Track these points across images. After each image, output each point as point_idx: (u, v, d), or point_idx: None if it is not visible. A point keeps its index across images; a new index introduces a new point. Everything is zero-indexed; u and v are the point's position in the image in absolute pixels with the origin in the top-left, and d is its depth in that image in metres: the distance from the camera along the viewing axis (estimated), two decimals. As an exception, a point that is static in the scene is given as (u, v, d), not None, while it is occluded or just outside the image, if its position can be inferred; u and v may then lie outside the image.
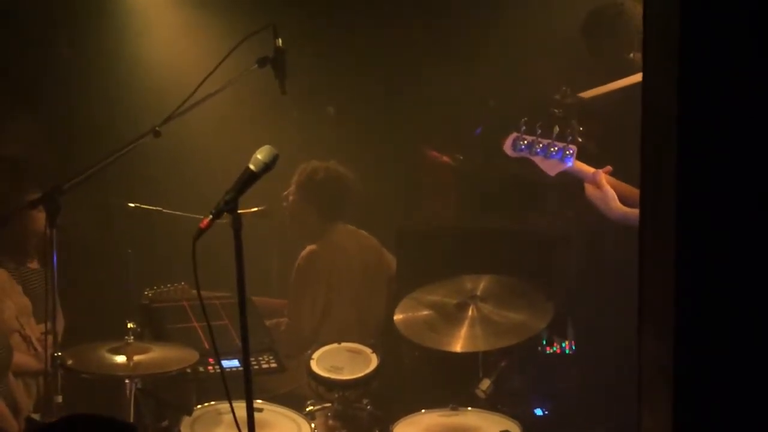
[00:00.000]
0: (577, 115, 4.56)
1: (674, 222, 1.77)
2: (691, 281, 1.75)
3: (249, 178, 3.04)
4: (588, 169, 4.08)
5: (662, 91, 1.79)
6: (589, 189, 4.04)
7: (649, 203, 1.90)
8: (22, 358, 4.81)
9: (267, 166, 3.05)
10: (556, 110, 4.51)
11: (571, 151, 4.19)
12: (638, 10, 4.60)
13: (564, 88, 4.60)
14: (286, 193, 5.12)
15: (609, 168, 4.07)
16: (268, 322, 5.04)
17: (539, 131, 4.19)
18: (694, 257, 1.75)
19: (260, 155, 3.06)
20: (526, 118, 4.19)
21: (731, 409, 1.76)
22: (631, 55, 4.59)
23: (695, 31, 1.71)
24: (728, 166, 1.73)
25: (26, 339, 4.90)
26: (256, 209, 4.90)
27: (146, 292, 5.13)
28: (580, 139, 4.36)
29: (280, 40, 4.01)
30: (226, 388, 3.15)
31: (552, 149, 4.17)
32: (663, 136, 1.79)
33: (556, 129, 4.18)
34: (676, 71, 1.72)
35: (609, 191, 3.95)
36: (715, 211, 1.75)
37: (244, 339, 3.02)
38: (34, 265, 5.20)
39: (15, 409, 4.58)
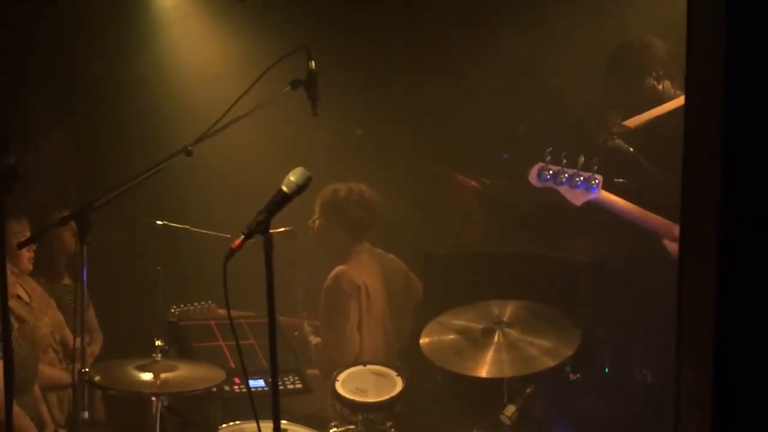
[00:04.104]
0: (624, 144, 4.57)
1: (715, 250, 1.76)
2: (731, 310, 1.74)
3: (281, 200, 3.04)
4: (629, 206, 4.09)
5: (706, 122, 1.79)
6: (671, 246, 4.05)
7: (689, 231, 1.89)
8: (54, 372, 4.86)
9: (299, 188, 3.05)
10: (609, 138, 4.51)
11: (597, 181, 4.21)
12: (661, 44, 4.65)
13: (615, 117, 4.61)
14: (311, 221, 5.12)
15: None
16: (314, 341, 5.05)
17: (564, 161, 4.20)
18: (735, 285, 1.74)
19: (293, 177, 3.06)
20: (551, 148, 4.20)
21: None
22: (660, 86, 4.61)
23: (741, 60, 1.72)
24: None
25: (59, 353, 4.95)
26: (282, 229, 4.91)
27: (173, 310, 5.15)
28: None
29: (313, 63, 4.04)
30: (253, 407, 3.15)
31: (577, 179, 4.19)
32: (706, 163, 1.79)
33: (582, 158, 4.20)
34: (720, 104, 1.72)
35: None
36: (757, 240, 1.74)
37: (273, 359, 3.02)
38: (66, 281, 5.25)
39: (40, 422, 4.60)
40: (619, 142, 4.52)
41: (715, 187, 1.76)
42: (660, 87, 4.60)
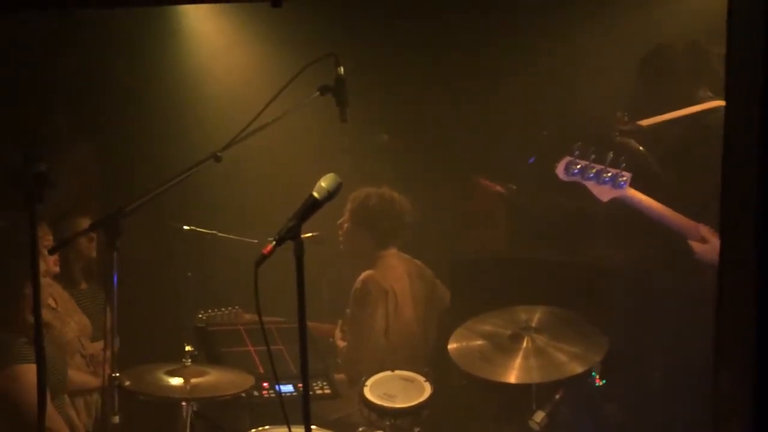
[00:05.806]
0: (634, 141, 4.54)
1: (755, 255, 1.75)
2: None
3: (312, 206, 3.06)
4: (656, 205, 4.07)
5: (745, 124, 1.78)
6: (697, 247, 4.02)
7: (729, 236, 1.89)
8: (82, 376, 4.88)
9: (330, 194, 3.07)
10: (614, 135, 4.49)
11: (625, 178, 4.19)
12: (694, 47, 4.59)
13: (619, 113, 4.58)
14: (340, 221, 5.14)
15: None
16: (342, 345, 5.05)
17: (593, 156, 4.19)
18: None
19: (324, 183, 3.08)
20: (580, 143, 4.19)
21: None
22: (692, 89, 4.55)
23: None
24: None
25: (86, 358, 4.97)
26: (309, 234, 4.92)
27: (200, 315, 5.17)
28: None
29: (341, 69, 4.04)
30: (284, 412, 3.16)
31: (605, 174, 4.17)
32: (746, 171, 1.78)
33: (610, 155, 4.18)
34: (760, 106, 1.72)
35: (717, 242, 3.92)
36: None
37: (304, 365, 3.03)
38: (83, 286, 5.27)
39: (70, 427, 4.62)
40: (628, 140, 4.50)
41: (756, 191, 1.75)
42: (692, 90, 4.55)
